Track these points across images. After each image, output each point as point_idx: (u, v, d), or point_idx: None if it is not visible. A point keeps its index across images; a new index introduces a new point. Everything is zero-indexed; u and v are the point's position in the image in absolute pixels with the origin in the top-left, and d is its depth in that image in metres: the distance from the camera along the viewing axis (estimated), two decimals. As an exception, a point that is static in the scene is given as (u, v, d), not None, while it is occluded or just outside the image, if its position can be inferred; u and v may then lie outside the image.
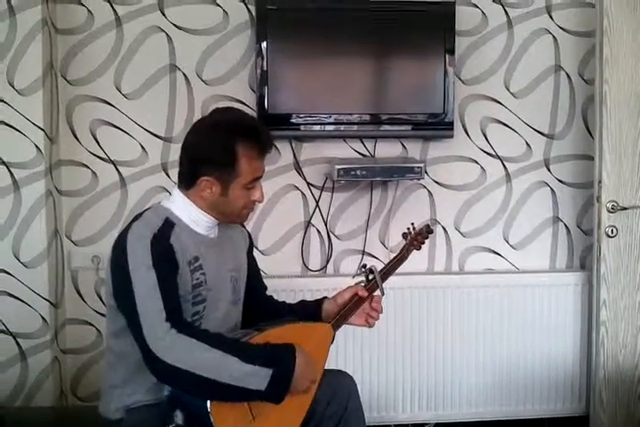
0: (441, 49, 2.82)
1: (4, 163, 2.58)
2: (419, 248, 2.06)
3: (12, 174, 2.58)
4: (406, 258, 2.04)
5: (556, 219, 3.05)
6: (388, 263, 1.98)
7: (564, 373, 2.97)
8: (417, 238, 2.06)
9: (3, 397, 2.53)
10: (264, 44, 2.73)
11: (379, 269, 1.95)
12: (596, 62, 2.75)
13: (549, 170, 3.03)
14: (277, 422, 1.60)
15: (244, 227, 1.97)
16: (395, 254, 2.06)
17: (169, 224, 1.65)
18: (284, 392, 1.54)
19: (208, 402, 1.48)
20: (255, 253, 2.80)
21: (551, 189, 3.04)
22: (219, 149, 1.66)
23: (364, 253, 2.95)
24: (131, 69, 2.81)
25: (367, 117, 2.83)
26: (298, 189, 2.91)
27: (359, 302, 1.87)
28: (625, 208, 2.76)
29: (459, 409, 2.95)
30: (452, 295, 2.92)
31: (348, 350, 2.85)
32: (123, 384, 1.66)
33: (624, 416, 2.82)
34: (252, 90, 2.82)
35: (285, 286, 2.81)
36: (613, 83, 2.72)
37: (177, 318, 1.52)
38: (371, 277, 1.91)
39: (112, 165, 2.83)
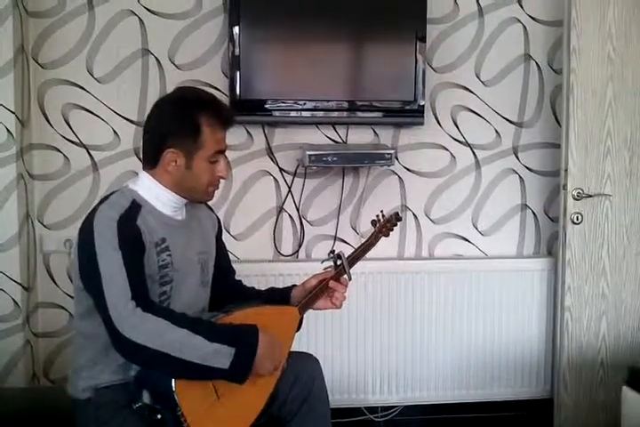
0: (412, 36, 2.84)
1: (-26, 146, 2.58)
2: (387, 235, 2.11)
3: (-18, 158, 2.58)
4: (374, 244, 2.08)
5: (524, 206, 3.11)
6: (356, 249, 2.02)
7: (529, 357, 3.05)
8: (386, 225, 2.11)
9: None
10: (236, 29, 2.74)
11: (347, 255, 1.98)
12: (563, 52, 2.80)
13: (518, 158, 3.08)
14: (241, 402, 1.64)
15: (212, 211, 1.99)
16: (363, 241, 2.10)
17: (136, 206, 1.68)
18: (247, 372, 1.57)
19: (173, 381, 1.51)
20: (228, 238, 2.87)
21: (519, 176, 3.09)
22: (182, 121, 1.69)
23: (335, 238, 2.98)
24: (103, 53, 2.81)
25: (339, 104, 2.86)
26: (270, 174, 2.94)
27: (326, 287, 1.90)
28: (590, 195, 2.82)
29: (427, 392, 3.01)
30: (421, 280, 2.97)
31: (319, 334, 2.90)
32: (91, 365, 1.69)
33: (587, 399, 2.90)
34: (225, 75, 2.83)
35: (258, 270, 2.84)
36: (580, 73, 2.77)
37: (142, 298, 1.55)
38: (339, 262, 1.95)
39: (84, 150, 2.83)
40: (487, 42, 3.01)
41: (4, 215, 2.60)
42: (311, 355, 1.94)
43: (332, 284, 1.90)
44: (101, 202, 1.70)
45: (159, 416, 1.53)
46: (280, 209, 2.95)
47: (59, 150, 2.81)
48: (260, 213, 2.95)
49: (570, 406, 2.89)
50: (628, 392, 2.27)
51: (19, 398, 2.09)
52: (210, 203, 2.56)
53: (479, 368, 3.03)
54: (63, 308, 2.82)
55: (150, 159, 1.74)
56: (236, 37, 2.74)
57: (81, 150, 2.82)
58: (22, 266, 2.65)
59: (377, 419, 3.01)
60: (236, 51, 2.75)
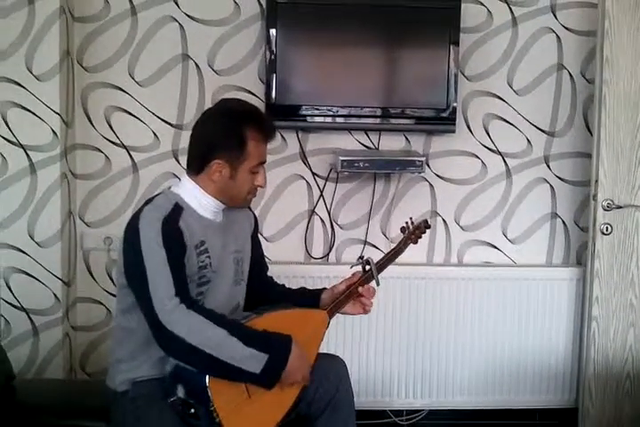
0: (446, 45, 2.88)
1: (21, 146, 2.68)
2: (415, 242, 2.16)
3: (28, 157, 2.68)
4: (403, 251, 2.14)
5: (554, 215, 3.13)
6: (385, 255, 2.07)
7: (555, 365, 3.06)
8: (414, 233, 2.16)
9: (15, 370, 2.64)
10: (273, 37, 2.81)
11: (375, 260, 2.03)
12: (596, 63, 2.82)
13: (549, 167, 3.10)
14: (270, 401, 1.70)
15: (250, 210, 2.06)
16: (392, 247, 2.15)
17: (178, 209, 1.75)
18: (276, 379, 1.64)
19: (207, 378, 1.58)
20: (260, 239, 2.94)
21: (550, 185, 3.11)
22: (229, 134, 1.77)
23: (365, 242, 3.03)
24: (144, 57, 2.90)
25: (372, 110, 2.91)
26: (303, 178, 3.01)
27: (354, 292, 1.96)
28: (620, 207, 2.83)
29: (452, 397, 3.04)
30: (449, 287, 3.00)
31: (347, 337, 2.95)
32: (129, 359, 1.77)
33: (612, 410, 2.90)
34: (261, 81, 2.91)
35: (289, 272, 2.90)
36: (613, 83, 2.79)
37: (185, 295, 1.63)
38: (367, 268, 2.00)
39: (125, 150, 2.92)
40: (520, 51, 3.03)
41: (48, 213, 2.70)
42: (338, 357, 2.00)
43: (360, 289, 1.95)
44: (146, 203, 1.78)
45: (192, 411, 1.60)
46: (312, 212, 3.02)
47: (100, 151, 2.91)
48: (293, 215, 3.02)
49: (594, 416, 2.89)
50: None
51: (57, 389, 2.18)
52: None
53: (505, 375, 3.05)
54: (101, 303, 2.92)
55: (195, 167, 1.82)
56: (272, 41, 2.81)
57: (122, 151, 2.92)
58: (63, 262, 2.75)
59: (402, 422, 3.05)
60: (272, 56, 2.81)
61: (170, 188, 1.86)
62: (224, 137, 1.77)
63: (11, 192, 2.67)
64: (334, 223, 3.03)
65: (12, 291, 2.69)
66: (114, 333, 1.93)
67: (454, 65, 2.90)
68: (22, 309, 2.70)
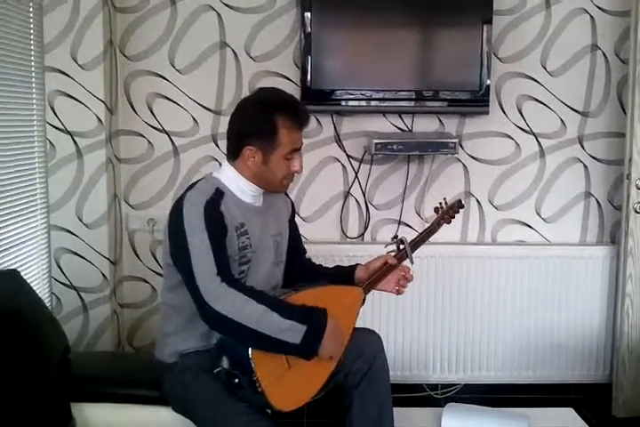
0: (479, 27, 2.92)
1: (68, 132, 2.80)
2: (449, 222, 2.22)
3: (75, 143, 2.80)
4: (436, 231, 2.20)
5: (588, 194, 3.15)
6: (419, 235, 2.14)
7: (589, 341, 3.11)
8: (448, 213, 2.22)
9: (68, 344, 2.80)
10: (307, 21, 2.87)
11: (409, 240, 2.10)
12: (630, 43, 2.83)
13: (583, 147, 3.13)
14: (309, 372, 1.79)
15: (287, 196, 2.14)
16: (426, 226, 2.22)
17: (219, 193, 1.84)
18: (315, 348, 1.73)
19: (250, 350, 1.68)
20: (297, 220, 3.03)
21: (584, 165, 3.14)
22: (261, 122, 1.84)
23: (399, 222, 3.11)
24: (183, 46, 2.99)
25: (405, 93, 2.96)
26: (338, 160, 3.08)
27: (389, 270, 2.04)
28: (654, 185, 2.85)
29: (486, 372, 3.13)
30: (483, 265, 3.07)
31: (384, 315, 3.05)
32: (177, 332, 1.88)
33: (646, 384, 2.96)
34: (297, 66, 2.98)
35: (325, 251, 2.99)
36: (647, 62, 2.80)
37: (227, 274, 1.72)
38: (401, 247, 2.07)
39: (166, 135, 3.03)
40: (554, 32, 3.05)
41: (95, 196, 2.83)
42: (374, 331, 2.08)
43: (393, 268, 2.03)
44: (189, 188, 1.88)
45: (237, 380, 1.70)
46: (347, 194, 3.10)
47: (143, 136, 3.02)
48: (328, 197, 3.10)
49: (628, 391, 2.95)
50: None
51: (110, 361, 2.31)
52: None
53: (539, 351, 3.11)
54: (146, 281, 3.05)
55: (232, 153, 1.91)
56: (307, 25, 2.87)
57: (163, 136, 3.03)
58: (110, 242, 2.88)
59: (437, 396, 3.14)
60: (307, 40, 2.88)
61: (211, 173, 1.95)
62: (255, 124, 1.84)
63: (59, 177, 2.80)
64: (369, 204, 3.11)
65: (62, 270, 2.82)
66: (161, 309, 2.04)
67: (487, 47, 2.93)
68: (72, 287, 2.84)
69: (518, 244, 3.15)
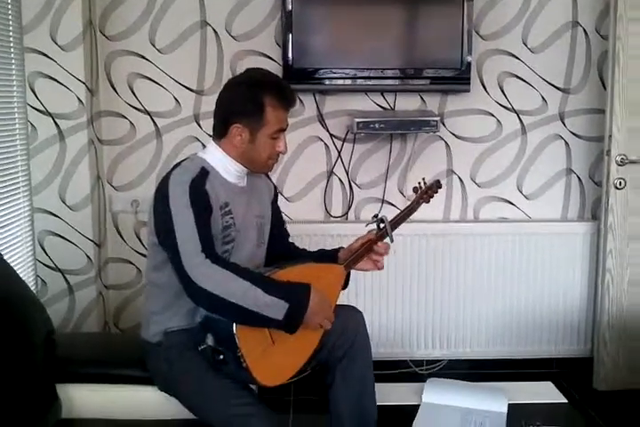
0: (460, 4, 2.91)
1: (49, 114, 2.78)
2: (428, 201, 2.24)
3: (57, 125, 2.79)
4: (416, 210, 2.22)
5: (570, 171, 3.18)
6: (399, 214, 2.16)
7: (571, 316, 3.16)
8: (427, 192, 2.24)
9: (54, 325, 2.80)
10: (288, 2, 2.85)
11: (389, 219, 2.12)
12: (609, 19, 2.84)
13: (564, 123, 3.15)
14: (293, 347, 1.82)
15: (270, 180, 2.15)
16: (406, 206, 2.24)
17: (204, 172, 1.85)
18: (297, 324, 1.75)
19: (234, 326, 1.70)
20: (281, 200, 3.04)
21: (565, 141, 3.16)
22: (248, 100, 1.86)
23: (383, 201, 3.12)
24: (164, 25, 2.97)
25: (387, 72, 2.96)
26: (321, 140, 3.09)
27: (370, 248, 2.05)
28: (634, 162, 2.89)
29: (470, 348, 3.17)
30: (465, 242, 3.10)
31: (369, 293, 3.08)
32: (162, 311, 1.89)
33: (626, 358, 3.00)
34: (278, 45, 2.97)
35: (309, 231, 3.01)
36: (626, 39, 2.81)
37: (211, 251, 1.73)
38: (382, 226, 2.09)
39: (148, 116, 3.02)
40: (535, 9, 3.06)
41: (77, 178, 2.82)
42: (355, 308, 2.10)
43: (375, 246, 2.05)
44: (174, 168, 1.88)
45: (221, 357, 1.72)
46: (330, 173, 3.11)
47: (125, 117, 3.01)
48: (312, 176, 3.11)
49: (609, 365, 3.00)
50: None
51: (94, 341, 2.32)
52: None
53: (522, 327, 3.15)
54: (131, 262, 3.06)
55: (218, 131, 1.92)
56: (288, 3, 2.85)
57: (145, 117, 3.02)
58: (94, 224, 2.87)
59: (421, 371, 3.18)
60: (288, 19, 2.86)
61: (196, 153, 1.96)
62: (243, 102, 1.86)
63: (42, 159, 2.79)
64: (352, 183, 3.12)
65: (46, 253, 2.82)
66: (146, 288, 2.06)
67: (468, 24, 2.93)
68: (57, 269, 2.84)
69: (500, 221, 3.18)
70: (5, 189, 2.58)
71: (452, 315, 3.13)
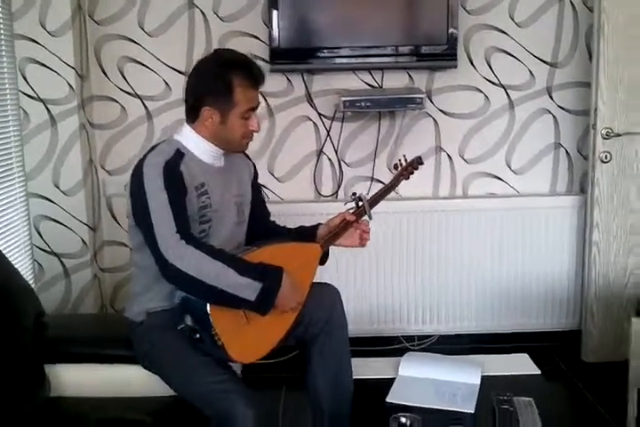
0: (444, -20, 2.91)
1: (41, 100, 2.83)
2: (407, 178, 2.28)
3: (48, 110, 2.84)
4: (396, 187, 2.26)
5: (558, 145, 3.20)
6: (378, 192, 2.20)
7: (559, 290, 3.20)
8: (407, 169, 2.28)
9: (51, 308, 2.89)
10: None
11: (368, 197, 2.16)
12: (595, -9, 2.84)
13: (552, 97, 3.15)
14: (268, 326, 1.88)
15: (249, 159, 2.19)
16: (385, 183, 2.28)
17: (179, 154, 1.89)
18: (269, 306, 1.81)
19: (208, 306, 1.76)
20: (271, 180, 3.11)
21: (553, 116, 3.17)
22: (217, 82, 1.88)
23: (372, 179, 3.16)
24: (152, 8, 3.01)
25: (374, 50, 2.97)
26: (310, 119, 3.12)
27: (347, 226, 2.10)
28: (619, 135, 2.90)
29: (460, 323, 3.22)
30: (454, 218, 3.13)
31: (359, 269, 3.14)
32: (144, 292, 1.95)
33: (613, 331, 3.03)
34: (266, 25, 2.99)
35: (300, 210, 3.05)
36: (611, 12, 2.81)
37: (185, 232, 1.78)
38: (360, 203, 2.13)
39: (139, 100, 3.07)
40: (521, -17, 3.05)
41: (69, 163, 2.88)
42: (331, 284, 2.16)
43: (353, 223, 2.10)
44: (150, 150, 1.93)
45: (198, 336, 1.79)
46: (320, 152, 3.14)
47: (116, 101, 3.06)
48: (301, 156, 3.15)
49: (596, 337, 3.04)
50: (636, 322, 2.41)
51: (83, 322, 2.39)
52: (253, 148, 2.79)
53: (511, 301, 3.20)
54: (126, 245, 3.12)
55: (190, 115, 1.95)
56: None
57: (136, 101, 3.06)
58: (88, 208, 2.94)
59: (413, 347, 3.24)
60: (275, 2, 2.89)
61: (172, 136, 2.00)
62: (211, 84, 1.88)
63: (34, 144, 2.84)
64: (342, 162, 3.16)
65: (42, 237, 2.89)
66: (132, 269, 2.12)
67: (454, 0, 2.93)
68: (53, 253, 2.92)
69: (489, 196, 3.21)
70: (0, 176, 2.64)
71: (442, 291, 3.18)
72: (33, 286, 2.86)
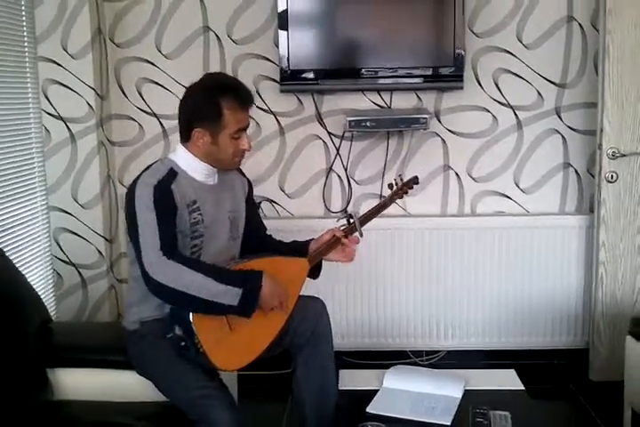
0: (451, 2, 2.98)
1: (62, 118, 2.98)
2: (401, 197, 2.36)
3: (68, 128, 2.99)
4: (388, 206, 2.33)
5: (567, 164, 3.21)
6: (370, 210, 2.27)
7: (567, 309, 3.20)
8: (402, 189, 2.35)
9: (68, 317, 3.02)
10: (283, 6, 2.98)
11: (360, 214, 2.23)
12: (600, 13, 2.87)
13: (560, 118, 3.18)
14: (252, 334, 1.95)
15: (244, 176, 2.27)
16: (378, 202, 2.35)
17: (172, 173, 1.99)
18: (252, 308, 1.89)
19: (190, 315, 1.85)
20: (282, 196, 3.19)
21: (562, 136, 3.19)
22: (206, 105, 1.98)
23: (381, 196, 3.21)
24: (169, 32, 3.15)
25: (381, 71, 3.05)
26: (320, 138, 3.21)
27: (336, 243, 2.18)
28: (625, 155, 2.91)
29: (468, 339, 3.25)
30: (462, 236, 3.17)
31: (371, 285, 3.20)
32: (138, 302, 2.05)
33: (621, 349, 3.01)
34: (277, 47, 3.09)
35: (309, 226, 3.11)
36: (617, 33, 2.84)
37: (169, 249, 1.87)
38: (351, 221, 2.20)
39: (156, 119, 3.20)
40: (529, 5, 3.10)
41: (88, 178, 3.02)
42: (318, 298, 2.22)
43: (343, 240, 2.17)
44: (145, 170, 2.03)
45: (184, 344, 1.87)
46: (329, 170, 3.23)
47: (134, 120, 3.20)
48: (312, 173, 3.24)
49: (603, 356, 3.04)
50: (630, 342, 2.42)
51: (92, 330, 2.51)
52: (264, 165, 3.08)
53: (519, 318, 3.21)
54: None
55: (183, 136, 2.06)
56: (281, 4, 2.98)
57: (153, 119, 3.20)
58: (105, 221, 3.07)
59: (422, 362, 3.27)
60: (285, 22, 2.99)
61: (168, 155, 2.10)
62: (201, 107, 1.98)
63: (55, 160, 2.99)
64: (351, 179, 3.23)
65: (61, 248, 3.03)
66: (128, 281, 2.23)
67: (461, 22, 3.00)
68: (72, 264, 3.05)
69: (498, 214, 3.23)
70: (23, 189, 2.80)
71: (450, 307, 3.21)
72: (52, 294, 3.01)
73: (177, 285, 1.83)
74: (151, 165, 2.06)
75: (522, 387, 2.14)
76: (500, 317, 3.22)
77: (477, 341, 3.24)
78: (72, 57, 2.95)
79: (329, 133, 3.20)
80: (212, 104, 1.96)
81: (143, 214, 1.89)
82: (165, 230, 1.89)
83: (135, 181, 1.98)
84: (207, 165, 2.05)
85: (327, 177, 3.23)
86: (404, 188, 2.35)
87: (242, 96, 2.00)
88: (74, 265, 3.05)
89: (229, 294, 1.85)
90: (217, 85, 2.01)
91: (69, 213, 3.03)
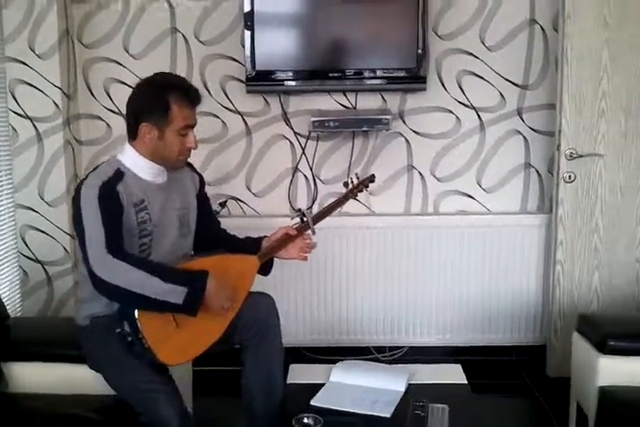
0: (414, 5, 3.03)
1: (28, 117, 3.02)
2: (356, 196, 2.40)
3: (35, 127, 3.02)
4: (343, 204, 2.39)
5: (528, 165, 3.27)
6: (323, 208, 2.33)
7: (526, 306, 3.26)
8: (357, 187, 2.39)
9: (33, 312, 3.06)
10: (249, 11, 3.03)
11: (314, 212, 2.28)
12: (559, 17, 2.92)
13: (522, 119, 3.24)
14: (199, 331, 1.99)
15: (195, 172, 2.30)
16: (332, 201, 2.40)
17: (119, 174, 2.02)
18: (197, 307, 1.93)
19: (136, 312, 1.90)
20: (249, 195, 3.23)
21: (524, 137, 3.25)
22: (154, 99, 2.01)
23: (346, 195, 3.27)
24: (137, 33, 3.18)
25: (346, 72, 3.09)
26: (286, 138, 3.25)
27: (287, 240, 2.22)
28: (582, 156, 2.96)
29: (429, 336, 3.31)
30: (425, 234, 3.22)
31: (335, 282, 3.25)
32: (89, 299, 2.08)
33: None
34: (244, 48, 3.13)
35: (275, 224, 3.06)
36: (575, 37, 2.89)
37: (114, 248, 1.91)
38: (304, 219, 2.25)
39: (123, 118, 3.20)
40: (492, 8, 3.15)
41: (54, 176, 3.05)
42: (267, 294, 2.26)
43: (294, 238, 2.21)
44: (92, 170, 2.07)
45: (130, 339, 1.92)
46: (295, 169, 3.27)
47: (102, 119, 3.24)
48: (278, 172, 3.28)
49: (559, 352, 3.08)
50: (576, 338, 2.48)
51: (48, 325, 2.55)
52: (231, 164, 3.13)
53: (480, 316, 3.28)
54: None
55: (130, 133, 2.09)
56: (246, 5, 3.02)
57: (120, 119, 3.22)
58: (71, 219, 3.09)
59: (384, 358, 3.33)
60: (251, 27, 3.03)
61: (115, 156, 2.13)
62: (149, 102, 2.02)
63: (22, 159, 3.03)
64: (317, 178, 3.28)
65: (27, 245, 3.07)
66: (79, 278, 2.27)
67: (424, 24, 3.04)
68: (37, 261, 3.08)
69: (460, 213, 3.29)
70: (-11, 188, 2.84)
71: (413, 304, 3.27)
72: (18, 291, 3.05)
73: (122, 283, 1.87)
74: (97, 167, 2.09)
75: (465, 381, 2.19)
76: (462, 314, 3.27)
77: (439, 337, 3.30)
78: (39, 57, 2.99)
79: (295, 133, 3.24)
80: (160, 99, 1.99)
81: (88, 214, 1.92)
82: (111, 229, 1.92)
83: (81, 183, 2.01)
84: (154, 164, 2.07)
85: (293, 176, 3.28)
86: (360, 186, 2.40)
87: (190, 94, 2.04)
88: (40, 262, 3.09)
89: (174, 293, 1.89)
90: (166, 82, 2.06)
91: (36, 211, 3.06)
